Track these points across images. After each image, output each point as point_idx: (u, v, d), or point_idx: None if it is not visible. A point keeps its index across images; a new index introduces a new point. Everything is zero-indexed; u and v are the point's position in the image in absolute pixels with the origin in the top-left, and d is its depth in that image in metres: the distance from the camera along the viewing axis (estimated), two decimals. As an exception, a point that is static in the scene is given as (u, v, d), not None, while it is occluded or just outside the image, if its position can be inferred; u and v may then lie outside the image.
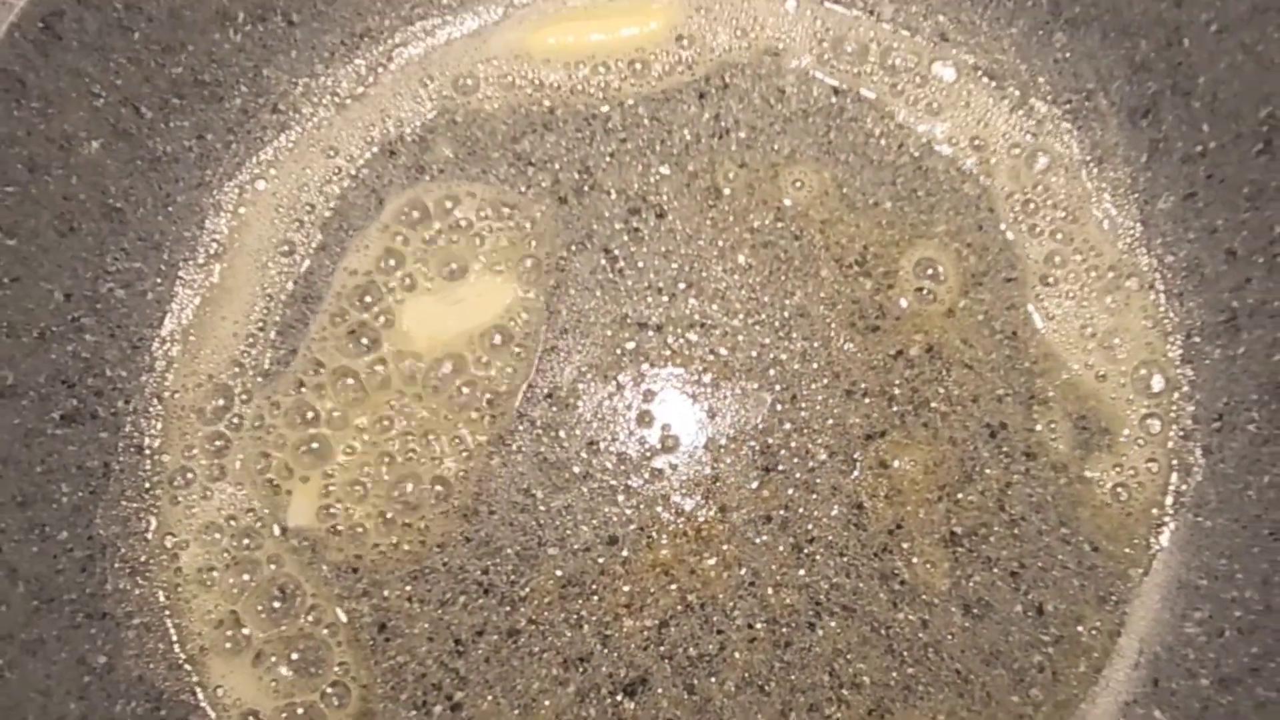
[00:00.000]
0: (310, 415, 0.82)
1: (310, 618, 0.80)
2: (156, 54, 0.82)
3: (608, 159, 0.88)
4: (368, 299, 0.85)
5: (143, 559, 0.80)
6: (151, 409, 0.83)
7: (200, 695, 0.78)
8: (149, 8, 0.80)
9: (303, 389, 0.83)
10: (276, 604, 0.80)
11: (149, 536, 0.81)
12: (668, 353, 0.85)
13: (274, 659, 0.79)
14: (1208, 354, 0.83)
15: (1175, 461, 0.82)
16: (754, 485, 0.82)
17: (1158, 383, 0.84)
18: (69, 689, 0.74)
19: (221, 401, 0.84)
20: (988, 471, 0.82)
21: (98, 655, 0.77)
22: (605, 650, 0.79)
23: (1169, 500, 0.82)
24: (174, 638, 0.79)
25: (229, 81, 0.87)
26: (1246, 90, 0.78)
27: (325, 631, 0.80)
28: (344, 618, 0.80)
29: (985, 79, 0.90)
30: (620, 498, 0.82)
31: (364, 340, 0.84)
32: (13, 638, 0.72)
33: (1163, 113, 0.84)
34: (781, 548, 0.81)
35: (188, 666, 0.78)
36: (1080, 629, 0.80)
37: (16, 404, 0.76)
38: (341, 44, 0.90)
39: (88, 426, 0.81)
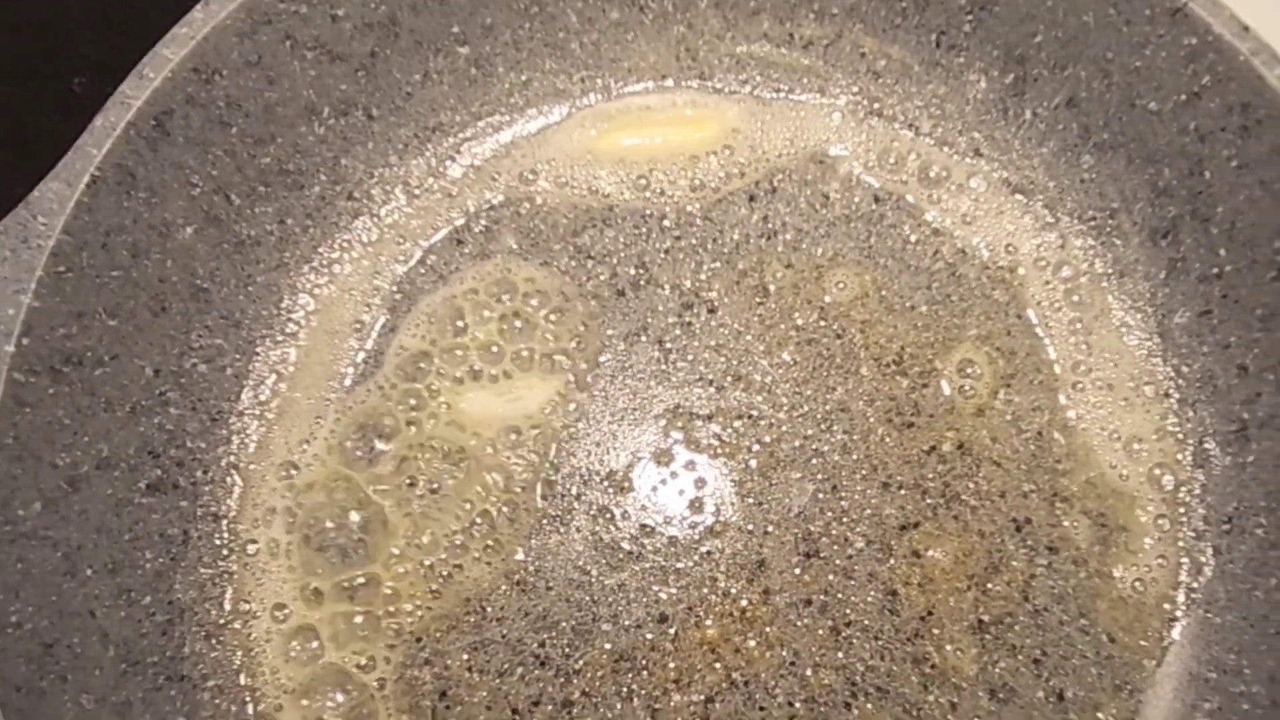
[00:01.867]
0: (367, 492, 0.87)
1: (375, 683, 0.84)
2: (249, 146, 0.87)
3: (662, 255, 0.94)
4: (427, 382, 0.90)
5: (218, 623, 0.84)
6: (228, 480, 0.88)
7: (271, 757, 0.82)
8: (248, 105, 0.85)
9: (363, 466, 0.88)
10: (343, 669, 0.84)
11: (224, 603, 0.85)
12: (717, 442, 0.90)
13: (338, 723, 0.83)
14: (1219, 460, 0.89)
15: (1187, 560, 0.88)
16: (796, 571, 0.87)
17: (1170, 484, 0.90)
18: (152, 750, 0.79)
19: (290, 474, 0.88)
20: (1013, 563, 0.88)
21: (177, 716, 0.81)
22: (654, 723, 0.84)
23: (1181, 596, 0.88)
24: (245, 699, 0.83)
25: (310, 171, 0.92)
26: (1263, 222, 0.85)
27: (388, 696, 0.84)
28: (406, 685, 0.84)
29: (1016, 194, 0.97)
30: (671, 578, 0.87)
31: (422, 423, 0.89)
32: (105, 700, 0.76)
33: (1182, 235, 0.90)
34: (821, 630, 0.86)
35: (260, 729, 0.83)
36: (1098, 715, 0.85)
37: (109, 475, 0.81)
38: (415, 137, 0.96)
39: (169, 496, 0.85)
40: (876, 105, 0.99)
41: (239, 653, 0.84)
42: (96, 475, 0.80)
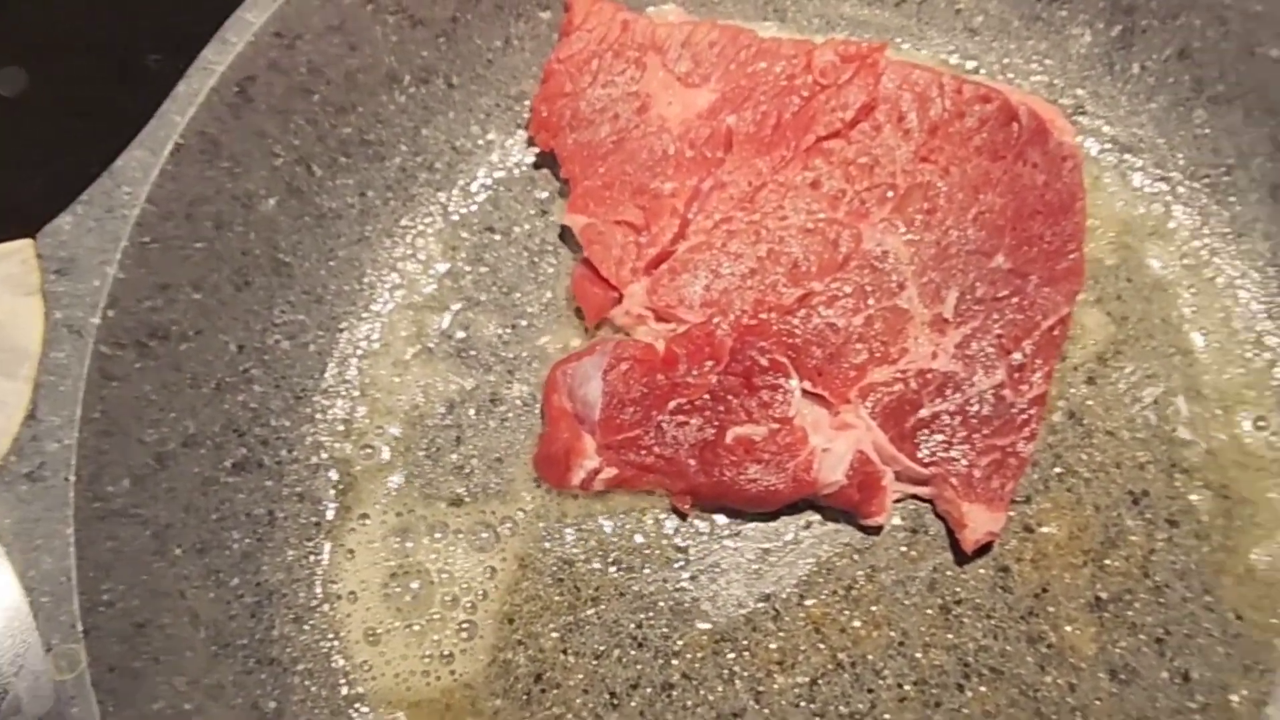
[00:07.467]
0: (455, 470, 0.85)
1: (469, 668, 0.81)
2: (330, 115, 0.85)
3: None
4: (517, 361, 0.88)
5: (308, 606, 0.82)
6: (314, 459, 0.85)
7: (364, 741, 0.80)
8: (329, 72, 0.83)
9: (453, 447, 0.86)
10: (435, 654, 0.81)
11: (313, 584, 0.83)
12: (816, 414, 0.86)
13: (430, 709, 0.80)
14: (1349, 427, 0.85)
15: (1317, 533, 0.84)
16: (903, 547, 0.84)
17: (1298, 454, 0.86)
18: (245, 733, 0.76)
19: (375, 452, 0.86)
20: (1131, 538, 0.84)
21: (269, 700, 0.79)
22: (757, 706, 0.80)
23: (1312, 570, 0.83)
24: (339, 683, 0.81)
25: (391, 141, 0.90)
26: (1394, 171, 0.80)
27: (481, 680, 0.81)
28: (499, 668, 0.81)
29: (1124, 153, 0.92)
30: (773, 556, 0.83)
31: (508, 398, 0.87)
32: (198, 683, 0.74)
33: (1304, 190, 0.86)
34: (930, 609, 0.82)
35: (352, 713, 0.80)
36: (1227, 697, 0.81)
37: (196, 453, 0.79)
38: (497, 106, 0.93)
39: (255, 475, 0.83)
40: (973, 64, 0.95)
41: (330, 635, 0.82)
42: (183, 453, 0.78)
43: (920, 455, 0.82)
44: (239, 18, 0.78)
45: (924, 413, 0.83)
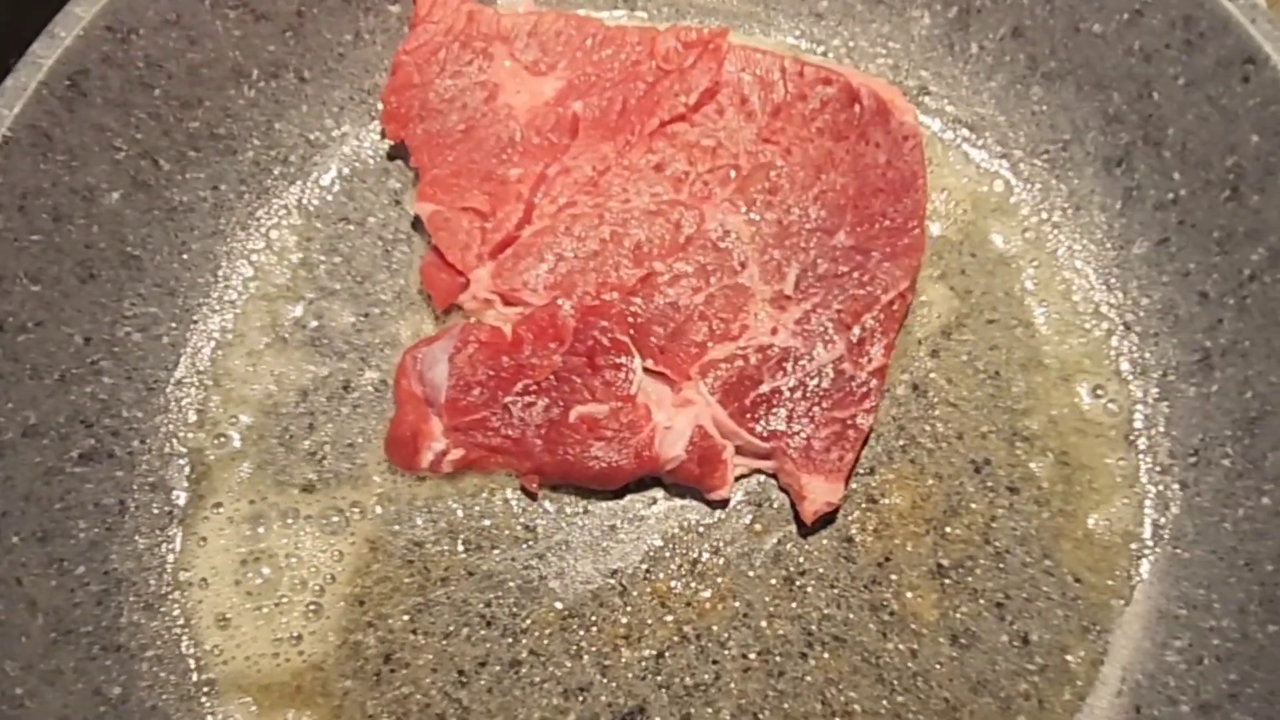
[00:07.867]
0: (307, 456, 0.86)
1: (318, 650, 0.82)
2: (175, 109, 0.86)
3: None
4: (370, 348, 0.89)
5: (158, 593, 0.83)
6: (167, 449, 0.86)
7: (211, 725, 0.81)
8: (170, 66, 0.84)
9: (306, 434, 0.87)
10: (285, 637, 0.82)
11: (164, 572, 0.83)
12: (664, 393, 0.88)
13: (280, 692, 0.81)
14: (1183, 392, 0.86)
15: (1153, 495, 0.85)
16: (747, 519, 0.85)
17: (1136, 420, 0.87)
18: (85, 719, 0.77)
19: (228, 441, 0.87)
20: (973, 506, 0.85)
21: (113, 686, 0.79)
22: (604, 680, 0.81)
23: (1148, 533, 0.85)
24: (188, 669, 0.81)
25: (242, 135, 0.91)
26: (1213, 139, 0.82)
27: (331, 662, 0.82)
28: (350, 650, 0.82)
29: (966, 130, 0.94)
30: (620, 533, 0.84)
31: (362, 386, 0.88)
32: (32, 668, 0.75)
33: (1135, 162, 0.88)
34: (774, 580, 0.84)
35: (202, 699, 0.81)
36: (1065, 658, 0.82)
37: (38, 443, 0.79)
38: (350, 99, 0.94)
39: (104, 465, 0.83)
40: (820, 49, 0.97)
41: (180, 622, 0.82)
42: (23, 443, 0.79)
43: (759, 429, 0.84)
44: (68, 12, 0.79)
45: (764, 388, 0.85)
